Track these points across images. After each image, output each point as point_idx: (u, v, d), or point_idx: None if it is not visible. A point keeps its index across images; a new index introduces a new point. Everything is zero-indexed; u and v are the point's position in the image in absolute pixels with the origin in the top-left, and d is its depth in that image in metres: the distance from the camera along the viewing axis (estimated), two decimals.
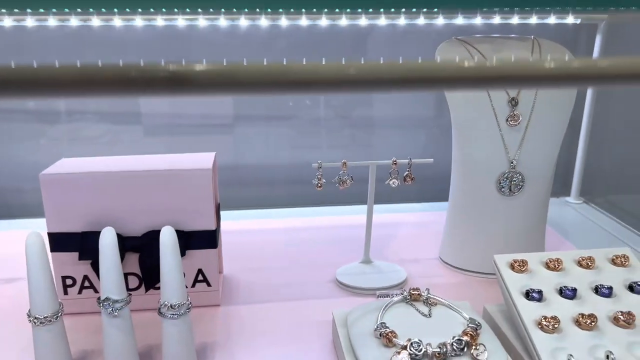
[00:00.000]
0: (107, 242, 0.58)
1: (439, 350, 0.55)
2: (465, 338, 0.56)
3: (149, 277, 0.72)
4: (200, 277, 0.75)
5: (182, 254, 0.72)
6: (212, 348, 0.67)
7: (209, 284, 0.75)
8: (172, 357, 0.60)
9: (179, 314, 0.59)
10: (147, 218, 0.71)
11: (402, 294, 0.65)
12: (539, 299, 0.62)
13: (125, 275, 0.73)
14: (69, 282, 0.72)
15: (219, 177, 0.84)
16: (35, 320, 0.58)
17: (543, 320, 0.59)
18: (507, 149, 0.79)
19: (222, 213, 0.88)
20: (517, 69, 0.34)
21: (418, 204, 1.15)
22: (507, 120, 0.78)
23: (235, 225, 1.05)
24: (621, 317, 0.60)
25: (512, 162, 0.79)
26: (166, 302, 0.59)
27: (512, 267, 0.66)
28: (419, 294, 0.65)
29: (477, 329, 0.58)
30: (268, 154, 1.22)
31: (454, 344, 0.55)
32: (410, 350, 0.55)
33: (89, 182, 0.69)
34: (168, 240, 0.59)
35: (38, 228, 0.64)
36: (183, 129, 1.21)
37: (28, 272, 0.57)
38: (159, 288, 0.71)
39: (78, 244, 0.70)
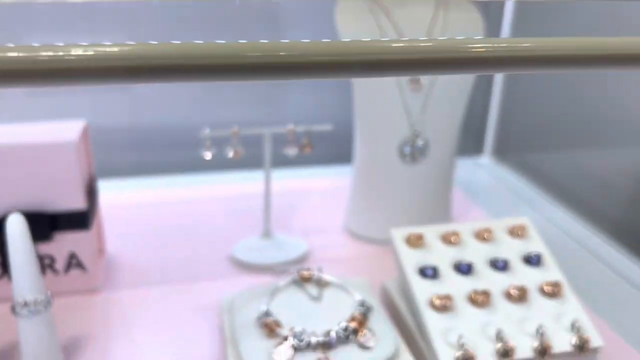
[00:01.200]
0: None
1: (323, 339, 0.51)
2: (351, 324, 0.52)
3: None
4: (74, 262, 0.67)
5: (48, 238, 0.64)
6: (85, 341, 0.61)
7: (84, 269, 0.68)
8: (31, 358, 0.53)
9: (35, 311, 0.52)
10: (9, 198, 0.62)
11: (292, 275, 0.61)
12: (433, 276, 0.60)
13: None
14: None
15: (104, 141, 0.75)
16: None
17: (435, 299, 0.57)
18: (408, 113, 0.75)
19: (106, 183, 0.80)
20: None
21: (325, 168, 1.10)
22: (408, 82, 0.74)
23: (121, 197, 0.96)
24: (513, 292, 0.58)
25: (413, 127, 0.75)
26: (19, 300, 0.51)
27: (408, 241, 0.63)
28: (309, 275, 0.60)
29: (366, 313, 0.55)
30: (155, 114, 1.10)
31: (339, 331, 0.52)
32: (293, 341, 0.50)
33: None
34: (16, 231, 0.51)
35: None
36: (67, 88, 1.08)
37: None
38: None
39: None
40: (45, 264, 0.66)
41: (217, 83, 1.11)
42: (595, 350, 0.56)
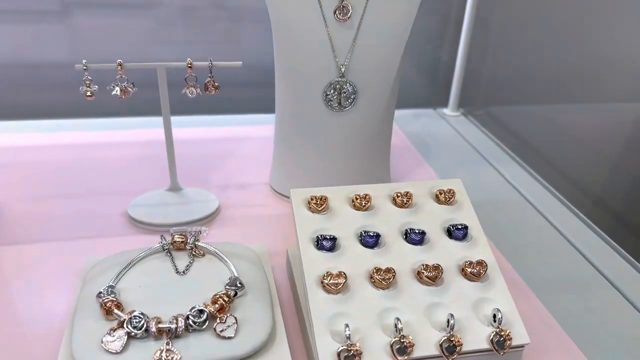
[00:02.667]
0: None
1: (169, 326, 0.41)
2: (209, 308, 0.42)
3: None
4: None
5: None
6: None
7: None
8: None
9: None
10: None
11: (161, 242, 0.50)
12: (331, 248, 0.49)
13: None
14: None
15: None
16: None
17: (326, 277, 0.46)
18: (335, 51, 0.62)
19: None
20: None
21: (259, 115, 0.97)
22: (335, 12, 0.61)
23: (10, 139, 0.85)
24: (424, 271, 0.47)
25: (341, 69, 0.63)
26: None
27: (309, 204, 0.52)
28: (182, 241, 0.50)
29: (235, 293, 0.44)
30: (40, 51, 0.96)
31: (191, 317, 0.41)
32: (128, 327, 0.40)
33: None
34: None
35: None
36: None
37: None
38: None
39: None
40: None
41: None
42: (518, 348, 0.45)
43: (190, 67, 0.61)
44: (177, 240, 0.49)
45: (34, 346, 0.47)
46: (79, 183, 0.74)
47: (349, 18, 0.61)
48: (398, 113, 1.00)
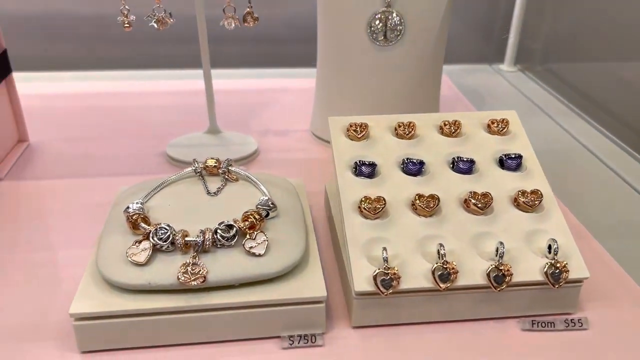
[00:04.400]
0: None
1: (195, 240, 0.39)
2: (239, 224, 0.40)
3: None
4: None
5: None
6: None
7: None
8: None
9: None
10: None
11: (194, 165, 0.48)
12: (370, 175, 0.46)
13: None
14: None
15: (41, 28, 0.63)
16: None
17: (364, 202, 0.43)
18: None
19: (36, 74, 0.69)
20: None
21: (299, 69, 0.94)
22: None
23: (46, 87, 0.86)
24: (472, 199, 0.43)
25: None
26: None
27: (347, 132, 0.49)
28: (215, 166, 0.48)
29: (268, 213, 0.42)
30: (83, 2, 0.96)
31: (220, 231, 0.39)
32: (154, 239, 0.39)
33: None
34: None
35: None
36: None
37: None
38: None
39: None
40: None
41: None
42: (576, 283, 0.41)
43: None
44: (210, 164, 0.47)
45: (65, 268, 0.47)
46: (120, 128, 0.74)
47: None
48: (450, 68, 0.95)
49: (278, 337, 0.40)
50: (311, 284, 0.40)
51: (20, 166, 0.63)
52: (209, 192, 0.45)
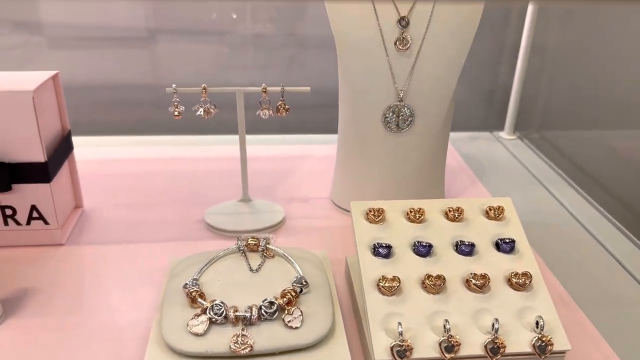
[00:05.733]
0: None
1: (244, 314, 0.47)
2: (279, 300, 0.48)
3: None
4: (35, 214, 0.66)
5: (7, 188, 0.63)
6: (32, 294, 0.60)
7: (46, 222, 0.67)
8: None
9: None
10: None
11: (237, 243, 0.57)
12: (386, 255, 0.54)
13: None
14: None
15: (97, 97, 0.74)
16: None
17: (381, 280, 0.51)
18: (394, 78, 0.68)
19: (90, 139, 0.78)
20: None
21: (324, 135, 1.04)
22: (395, 43, 0.67)
23: (98, 153, 0.95)
24: (473, 279, 0.52)
25: (399, 94, 0.68)
26: None
27: (367, 215, 0.58)
28: (255, 244, 0.57)
29: (301, 290, 0.50)
30: (132, 74, 1.08)
31: (263, 307, 0.48)
32: (210, 313, 0.47)
33: None
34: None
35: None
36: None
37: None
38: None
39: None
40: (7, 215, 0.66)
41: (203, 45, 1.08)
42: (559, 354, 0.49)
43: (264, 91, 0.68)
44: (251, 242, 0.56)
45: (126, 330, 0.55)
46: (160, 193, 0.83)
47: (408, 48, 0.67)
48: (455, 135, 1.04)
49: None
50: (338, 353, 0.48)
51: (76, 232, 0.72)
52: (251, 269, 0.54)
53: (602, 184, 0.87)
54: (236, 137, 0.73)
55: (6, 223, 0.66)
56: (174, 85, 0.67)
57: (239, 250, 0.57)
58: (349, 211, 0.75)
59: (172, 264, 0.59)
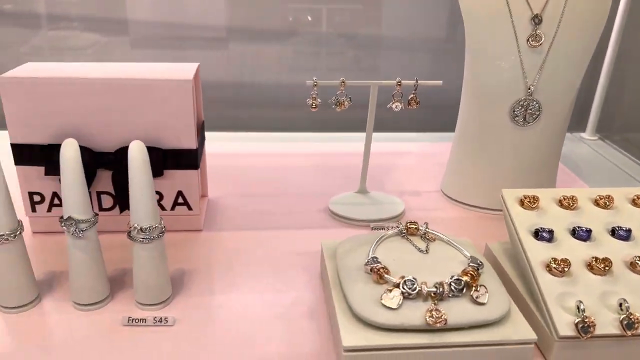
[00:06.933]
0: (69, 156, 0.52)
1: (435, 290, 0.49)
2: (464, 278, 0.51)
3: (123, 196, 0.66)
4: (180, 200, 0.69)
5: (160, 173, 0.66)
6: (189, 275, 0.62)
7: (189, 208, 0.69)
8: (143, 283, 0.55)
9: (151, 238, 0.53)
10: (122, 132, 0.64)
11: (398, 227, 0.59)
12: (549, 239, 0.57)
13: (99, 194, 0.67)
14: (36, 198, 0.66)
15: (208, 94, 0.77)
16: None
17: (552, 262, 0.53)
18: (525, 73, 0.71)
19: (210, 134, 0.81)
20: None
21: (417, 133, 1.08)
22: (527, 40, 0.69)
23: (223, 147, 0.98)
24: (639, 262, 0.54)
25: (529, 89, 0.71)
26: (136, 225, 0.53)
27: (521, 203, 0.60)
28: (416, 228, 0.59)
29: (478, 269, 0.52)
30: (262, 73, 1.13)
31: (452, 283, 0.50)
32: (403, 288, 0.49)
33: (55, 88, 0.62)
34: (137, 156, 0.52)
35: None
36: (172, 42, 1.12)
37: None
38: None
39: (43, 157, 0.64)
40: None
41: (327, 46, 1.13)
42: None
43: (399, 84, 0.71)
44: (411, 226, 0.59)
45: (290, 307, 0.57)
46: (284, 185, 0.86)
47: (540, 45, 0.69)
48: None
49: None
50: (520, 328, 0.50)
51: (208, 219, 0.74)
52: (420, 250, 0.56)
53: None
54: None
55: None
56: (314, 78, 0.70)
57: (401, 234, 0.59)
58: (462, 202, 0.78)
59: (325, 246, 0.61)
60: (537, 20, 0.69)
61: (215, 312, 0.56)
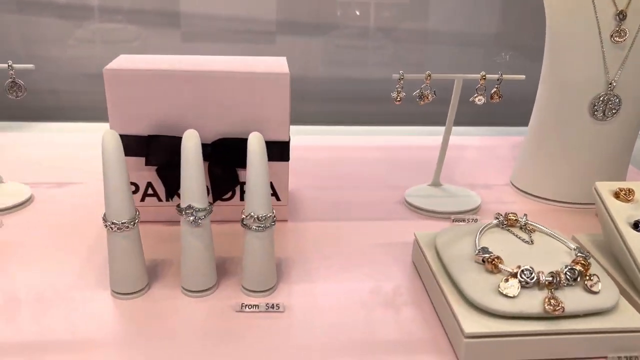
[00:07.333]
0: (191, 146, 0.53)
1: (551, 279, 0.51)
2: (578, 267, 0.52)
3: (218, 187, 0.67)
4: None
5: None
6: (286, 264, 0.64)
7: (278, 198, 0.70)
8: (254, 270, 0.57)
9: (265, 226, 0.55)
10: (218, 124, 0.65)
11: (498, 218, 0.61)
12: None
13: None
14: (131, 188, 0.68)
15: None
16: (112, 226, 0.53)
17: None
18: (607, 68, 0.72)
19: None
20: None
21: (480, 127, 1.09)
22: (611, 36, 0.71)
23: (301, 140, 1.00)
24: None
25: (610, 84, 0.72)
26: (252, 214, 0.54)
27: (616, 195, 0.62)
28: (515, 219, 0.60)
29: (587, 259, 0.54)
30: (336, 67, 1.14)
31: (567, 273, 0.51)
32: (521, 277, 0.51)
33: (159, 80, 0.63)
34: (257, 147, 0.53)
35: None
36: (225, 35, 1.13)
37: (105, 174, 0.52)
38: (226, 199, 0.67)
39: (144, 148, 0.65)
40: (243, 190, 0.69)
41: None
42: None
43: (483, 78, 0.72)
44: (512, 218, 0.60)
45: (394, 296, 0.58)
46: (359, 176, 0.88)
47: (623, 40, 0.71)
48: None
49: (605, 357, 0.51)
50: (631, 316, 0.51)
51: (290, 210, 0.76)
52: (524, 241, 0.58)
53: None
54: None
55: (242, 199, 0.70)
56: (401, 72, 0.71)
57: (501, 225, 0.60)
58: (535, 195, 0.80)
59: (423, 238, 0.62)
60: (621, 16, 0.70)
61: (320, 299, 0.58)
